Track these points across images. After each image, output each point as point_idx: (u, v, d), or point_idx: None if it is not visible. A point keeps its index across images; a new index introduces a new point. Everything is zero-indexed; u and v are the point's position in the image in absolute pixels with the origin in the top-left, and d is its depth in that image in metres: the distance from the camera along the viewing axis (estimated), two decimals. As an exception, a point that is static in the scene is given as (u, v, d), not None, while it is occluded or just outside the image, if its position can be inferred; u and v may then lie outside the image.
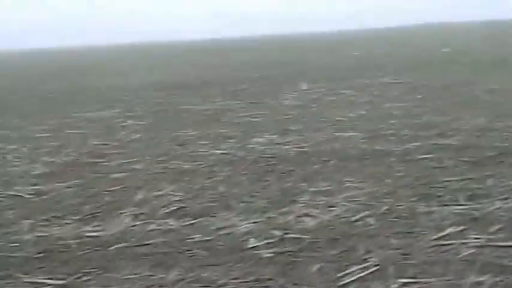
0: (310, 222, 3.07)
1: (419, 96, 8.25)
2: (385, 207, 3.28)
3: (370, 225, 3.02)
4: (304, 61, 18.26)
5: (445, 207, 3.22)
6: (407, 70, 12.76)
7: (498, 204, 3.23)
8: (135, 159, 4.72)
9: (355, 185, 3.78)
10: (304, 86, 10.05)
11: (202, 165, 4.53)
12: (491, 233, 2.81)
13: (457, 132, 5.40)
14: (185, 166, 4.52)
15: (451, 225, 2.95)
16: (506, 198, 3.32)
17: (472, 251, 2.62)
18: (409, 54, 19.05)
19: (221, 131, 6.12)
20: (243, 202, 3.48)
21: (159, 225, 3.02)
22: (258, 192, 3.69)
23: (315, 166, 4.36)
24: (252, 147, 5.14)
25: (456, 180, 3.76)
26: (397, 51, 21.58)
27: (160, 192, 3.64)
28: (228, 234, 2.96)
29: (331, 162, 4.48)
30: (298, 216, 3.17)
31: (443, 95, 8.24)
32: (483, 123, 5.79)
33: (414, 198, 3.41)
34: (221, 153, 4.96)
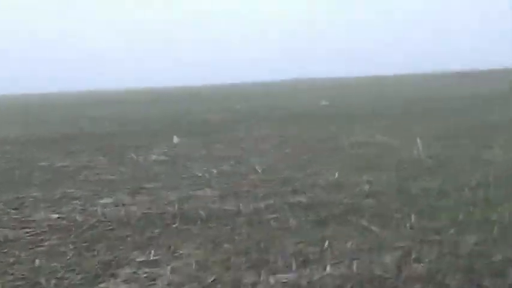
0: (121, 302, 2.72)
1: (287, 151, 8.29)
2: (211, 279, 3.01)
3: (190, 301, 2.73)
4: (184, 114, 18.11)
5: (274, 276, 3.02)
6: (284, 123, 13.00)
7: (328, 270, 3.09)
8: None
9: (190, 252, 3.50)
10: (175, 140, 9.80)
11: (30, 233, 4.03)
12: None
13: (311, 188, 5.35)
14: (9, 235, 3.99)
15: (274, 298, 2.74)
16: (338, 263, 3.20)
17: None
18: (290, 107, 19.61)
19: (69, 191, 5.63)
20: (56, 278, 3.06)
21: None
22: (78, 265, 3.28)
23: (156, 230, 4.04)
24: (95, 210, 4.71)
25: (294, 243, 3.61)
26: (278, 104, 22.17)
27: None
28: (21, 322, 2.53)
29: (174, 225, 4.18)
30: (110, 295, 2.81)
31: (310, 148, 8.35)
32: (338, 178, 5.82)
33: (246, 266, 3.19)
34: (57, 218, 4.49)
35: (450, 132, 9.45)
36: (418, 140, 7.54)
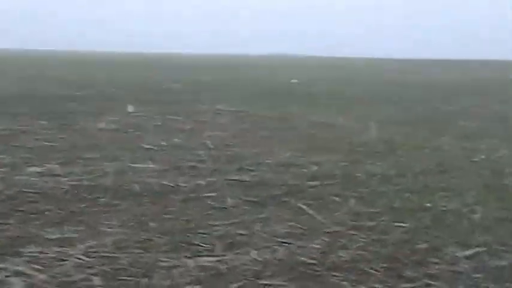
0: (16, 285, 2.45)
1: (244, 127, 8.05)
2: (126, 260, 2.77)
3: (94, 287, 2.49)
4: (147, 81, 17.63)
5: (195, 259, 2.80)
6: (247, 98, 12.70)
7: (253, 255, 2.88)
8: None
9: (111, 230, 3.25)
10: (130, 109, 9.43)
11: None
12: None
13: (258, 167, 5.13)
14: None
15: (188, 284, 2.52)
16: (265, 247, 2.99)
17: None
18: (259, 82, 19.30)
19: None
20: (-49, 255, 2.77)
21: None
22: (-18, 240, 3.00)
23: (80, 205, 3.76)
24: (20, 179, 4.40)
25: (225, 225, 3.39)
26: (248, 79, 21.83)
27: None
28: None
29: (103, 199, 3.91)
30: (7, 276, 2.54)
31: (268, 126, 8.12)
32: (288, 157, 5.62)
33: (166, 248, 2.96)
34: (-23, 186, 4.17)
35: (406, 119, 9.33)
36: (373, 124, 7.39)
